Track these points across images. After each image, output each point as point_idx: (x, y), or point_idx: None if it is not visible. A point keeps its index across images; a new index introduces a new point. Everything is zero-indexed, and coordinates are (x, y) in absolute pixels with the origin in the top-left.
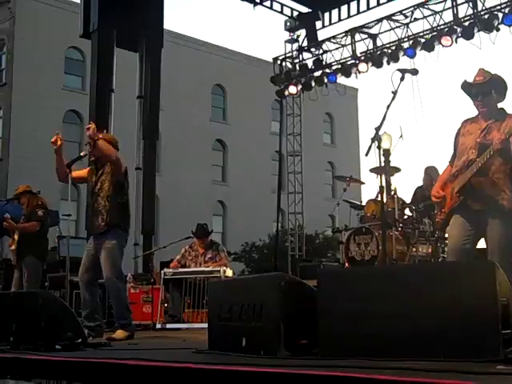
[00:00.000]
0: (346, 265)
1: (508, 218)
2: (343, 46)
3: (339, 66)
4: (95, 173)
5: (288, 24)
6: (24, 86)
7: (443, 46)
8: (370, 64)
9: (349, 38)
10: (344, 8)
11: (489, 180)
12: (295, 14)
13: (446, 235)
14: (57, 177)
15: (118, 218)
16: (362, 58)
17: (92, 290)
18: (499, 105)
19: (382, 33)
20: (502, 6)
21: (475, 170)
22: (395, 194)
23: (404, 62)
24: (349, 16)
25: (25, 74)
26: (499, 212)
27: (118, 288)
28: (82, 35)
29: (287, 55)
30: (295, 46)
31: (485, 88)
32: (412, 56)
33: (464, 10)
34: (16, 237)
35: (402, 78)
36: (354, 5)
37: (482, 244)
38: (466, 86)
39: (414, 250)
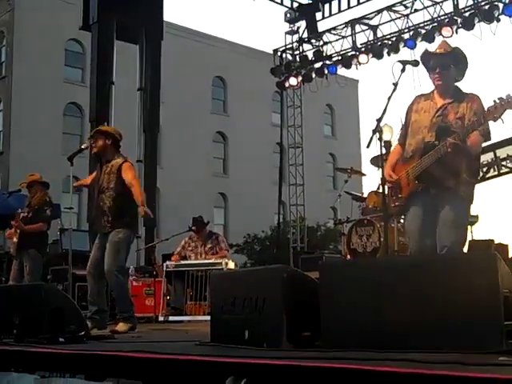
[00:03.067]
0: (348, 257)
1: (462, 203)
2: (343, 37)
3: (339, 58)
4: (99, 169)
5: (288, 15)
6: (24, 79)
7: (444, 36)
8: (370, 55)
9: (349, 29)
10: None
11: (447, 164)
12: (295, 5)
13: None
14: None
15: (123, 220)
16: (363, 49)
17: (101, 284)
18: (457, 84)
19: (382, 24)
20: None
21: (434, 158)
22: None
23: (404, 53)
24: (349, 7)
25: (25, 67)
26: (454, 196)
27: (118, 281)
28: (82, 27)
29: (287, 47)
30: (295, 37)
31: (444, 60)
32: (412, 47)
33: (464, 1)
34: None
35: (403, 70)
36: None
37: (482, 235)
38: (426, 56)
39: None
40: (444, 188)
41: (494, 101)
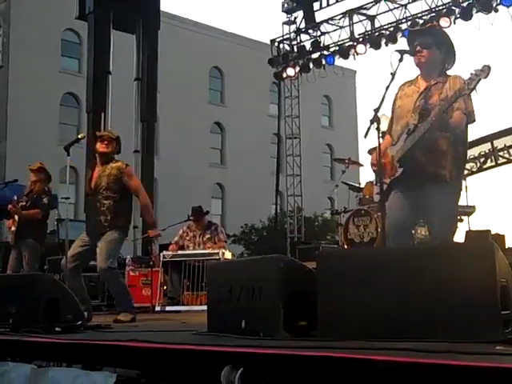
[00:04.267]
0: (345, 247)
1: (448, 189)
2: (341, 27)
3: (337, 48)
4: (98, 169)
5: (286, 5)
6: (21, 69)
7: (441, 27)
8: (368, 45)
9: (347, 19)
10: None
11: (431, 148)
12: None
13: None
14: None
15: (120, 222)
16: (360, 39)
17: (77, 278)
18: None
19: (380, 14)
20: None
21: (417, 138)
22: None
23: (402, 43)
24: None
25: (21, 57)
26: (439, 184)
27: (112, 277)
28: (78, 17)
29: (285, 37)
30: (293, 27)
31: (426, 37)
32: None
33: None
34: (17, 218)
35: (401, 59)
36: None
37: (479, 226)
38: (411, 37)
39: (413, 231)
40: (429, 175)
41: (471, 73)
